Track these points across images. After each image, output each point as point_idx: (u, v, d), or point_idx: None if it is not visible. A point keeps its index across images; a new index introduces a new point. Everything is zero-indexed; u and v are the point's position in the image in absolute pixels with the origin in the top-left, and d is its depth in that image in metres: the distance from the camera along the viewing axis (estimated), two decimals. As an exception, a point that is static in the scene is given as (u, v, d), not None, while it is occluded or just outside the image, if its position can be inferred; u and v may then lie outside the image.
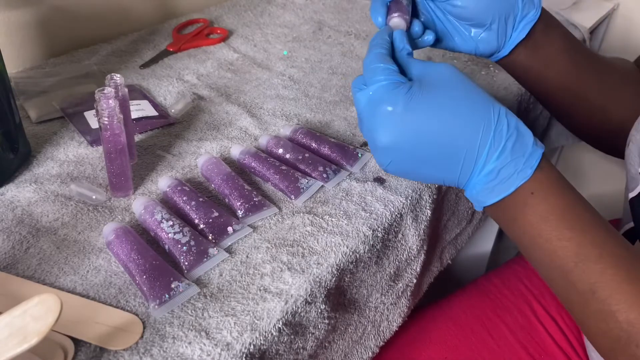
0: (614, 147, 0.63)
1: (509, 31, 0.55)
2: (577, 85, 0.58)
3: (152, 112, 0.69)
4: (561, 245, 0.42)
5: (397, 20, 0.51)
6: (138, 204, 0.53)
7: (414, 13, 0.55)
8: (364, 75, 0.46)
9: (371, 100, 0.44)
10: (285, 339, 0.46)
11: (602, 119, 0.60)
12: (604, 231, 0.43)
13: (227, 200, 0.56)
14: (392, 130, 0.43)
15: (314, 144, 0.63)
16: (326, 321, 0.51)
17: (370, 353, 0.63)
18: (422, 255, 0.64)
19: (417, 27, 0.53)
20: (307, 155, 0.61)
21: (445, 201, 0.69)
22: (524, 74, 0.59)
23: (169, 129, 0.67)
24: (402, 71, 0.46)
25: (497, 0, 0.53)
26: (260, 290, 0.47)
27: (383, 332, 0.64)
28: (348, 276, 0.53)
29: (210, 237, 0.51)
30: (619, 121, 0.59)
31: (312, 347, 0.51)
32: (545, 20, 0.56)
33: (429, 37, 0.54)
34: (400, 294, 0.64)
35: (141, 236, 0.50)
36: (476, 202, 0.46)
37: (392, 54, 0.48)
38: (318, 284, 0.49)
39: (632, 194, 0.55)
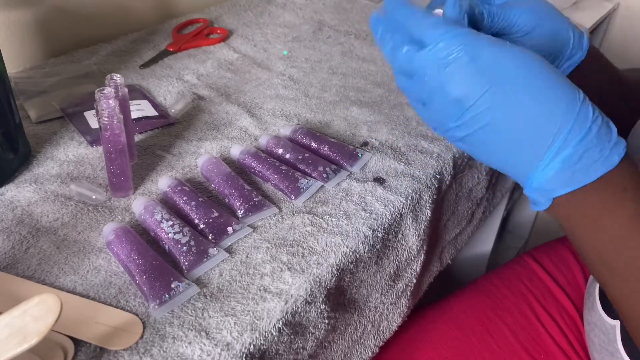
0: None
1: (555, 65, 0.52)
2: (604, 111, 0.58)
3: (152, 112, 0.69)
4: None
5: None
6: (138, 204, 0.53)
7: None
8: (407, 34, 0.40)
9: (442, 55, 0.38)
10: (285, 339, 0.47)
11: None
12: None
13: (227, 200, 0.56)
14: (470, 80, 0.38)
15: (314, 144, 0.63)
16: (326, 321, 0.51)
17: (370, 353, 0.63)
18: (422, 255, 0.64)
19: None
20: (307, 155, 0.61)
21: (445, 201, 0.69)
22: None
23: (169, 129, 0.67)
24: None
25: (553, 38, 0.50)
26: (260, 290, 0.47)
27: (383, 332, 0.64)
28: (348, 276, 0.53)
29: (210, 237, 0.51)
30: None
31: (312, 347, 0.51)
32: (589, 56, 0.53)
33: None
34: (400, 294, 0.64)
35: (141, 236, 0.50)
36: (544, 193, 0.39)
37: None
38: (318, 284, 0.49)
39: None
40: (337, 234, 0.53)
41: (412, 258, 0.63)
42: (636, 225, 0.38)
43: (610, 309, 0.60)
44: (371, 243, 0.54)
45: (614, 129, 0.39)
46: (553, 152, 0.38)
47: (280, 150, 0.62)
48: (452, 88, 0.39)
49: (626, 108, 0.58)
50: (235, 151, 0.62)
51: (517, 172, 0.40)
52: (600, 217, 0.39)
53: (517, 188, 1.09)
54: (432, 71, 0.39)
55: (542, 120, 0.38)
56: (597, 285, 0.64)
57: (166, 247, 0.50)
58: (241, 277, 0.48)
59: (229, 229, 0.52)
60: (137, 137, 0.65)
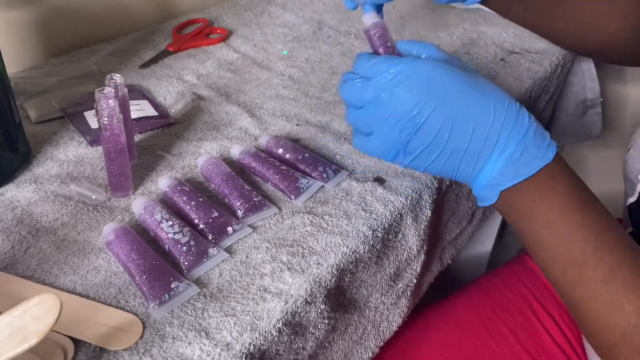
0: (609, 56, 0.65)
1: None
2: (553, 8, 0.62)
3: (152, 112, 0.69)
4: (582, 232, 0.42)
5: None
6: (138, 204, 0.53)
7: None
8: (364, 78, 0.46)
9: (399, 71, 0.44)
10: (285, 339, 0.46)
11: (594, 30, 0.63)
12: (617, 223, 0.44)
13: (227, 200, 0.56)
14: (423, 94, 0.43)
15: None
16: (326, 321, 0.51)
17: (370, 353, 0.63)
18: (422, 255, 0.64)
19: None
20: (307, 155, 0.61)
21: (445, 201, 0.69)
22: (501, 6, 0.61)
23: (168, 129, 0.67)
24: None
25: None
26: (260, 290, 0.47)
27: (383, 332, 0.64)
28: (348, 276, 0.53)
29: (210, 237, 0.51)
30: (613, 32, 0.62)
31: (312, 347, 0.51)
32: None
33: None
34: (400, 294, 0.64)
35: (141, 236, 0.50)
36: (491, 188, 0.45)
37: None
38: (318, 284, 0.49)
39: (630, 200, 0.55)
40: (337, 234, 0.53)
41: (412, 258, 0.63)
42: (563, 209, 0.43)
43: None
44: (371, 243, 0.54)
45: (547, 134, 0.45)
46: (498, 151, 0.44)
47: (280, 150, 0.62)
48: (404, 104, 0.43)
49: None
50: (235, 151, 0.62)
51: (465, 175, 0.46)
52: (535, 203, 0.44)
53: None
54: (385, 92, 0.44)
55: (487, 124, 0.43)
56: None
57: (166, 247, 0.50)
58: (241, 277, 0.48)
59: (229, 229, 0.52)
60: (137, 137, 0.65)
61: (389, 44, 0.48)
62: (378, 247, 0.56)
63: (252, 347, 0.43)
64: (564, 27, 0.67)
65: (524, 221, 0.46)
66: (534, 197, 0.44)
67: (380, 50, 0.48)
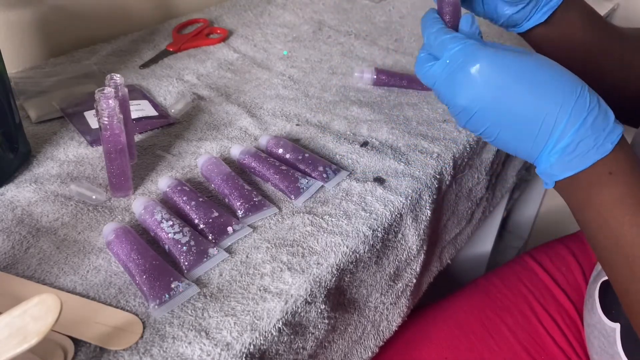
0: (636, 116, 0.63)
1: (533, 12, 0.55)
2: (596, 56, 0.59)
3: (152, 112, 0.69)
4: (632, 231, 0.41)
5: None
6: (138, 204, 0.53)
7: None
8: (430, 50, 0.46)
9: (449, 67, 0.44)
10: (285, 339, 0.47)
11: (623, 86, 0.60)
12: None
13: (227, 200, 0.56)
14: (473, 92, 0.43)
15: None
16: (326, 321, 0.51)
17: (369, 353, 0.63)
18: (422, 255, 0.64)
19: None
20: (307, 155, 0.61)
21: (445, 201, 0.69)
22: (541, 45, 0.59)
23: (169, 129, 0.67)
24: None
25: None
26: (260, 290, 0.47)
27: (383, 332, 0.64)
28: (348, 276, 0.53)
29: (210, 237, 0.51)
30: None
31: (312, 347, 0.51)
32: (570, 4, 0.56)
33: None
34: (399, 293, 0.64)
35: (141, 236, 0.50)
36: (548, 176, 0.45)
37: None
38: (318, 284, 0.49)
39: None
40: (337, 234, 0.53)
41: (412, 258, 0.63)
42: (619, 207, 0.42)
43: (610, 312, 0.60)
44: (371, 243, 0.54)
45: (611, 117, 0.43)
46: (553, 141, 0.43)
47: (280, 150, 0.62)
48: (458, 98, 0.44)
49: (622, 64, 0.60)
50: (235, 151, 0.62)
51: (526, 157, 0.45)
52: (589, 199, 0.43)
53: (516, 188, 1.09)
54: (440, 84, 0.45)
55: (541, 116, 0.42)
56: (597, 287, 0.64)
57: (166, 247, 0.50)
58: (241, 277, 0.48)
59: (229, 229, 0.52)
60: (137, 137, 0.65)
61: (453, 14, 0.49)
62: (378, 247, 0.56)
63: (252, 347, 0.43)
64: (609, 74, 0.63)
65: (578, 213, 0.45)
66: (587, 192, 0.43)
67: (446, 18, 0.49)
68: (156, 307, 0.44)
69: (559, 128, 0.42)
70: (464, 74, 0.43)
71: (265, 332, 0.44)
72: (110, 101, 0.51)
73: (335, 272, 0.51)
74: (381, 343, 0.64)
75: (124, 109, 0.56)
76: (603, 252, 0.44)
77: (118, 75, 0.55)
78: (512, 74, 0.43)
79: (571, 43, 0.58)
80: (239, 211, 0.54)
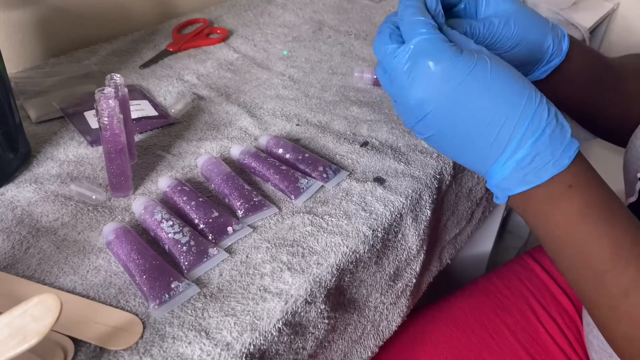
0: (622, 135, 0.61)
1: (531, 71, 0.54)
2: (594, 102, 0.58)
3: (152, 112, 0.69)
4: (599, 244, 0.40)
5: None
6: (138, 204, 0.53)
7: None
8: (397, 24, 0.43)
9: (412, 54, 0.41)
10: (285, 339, 0.47)
11: (621, 123, 0.59)
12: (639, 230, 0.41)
13: (227, 200, 0.56)
14: (429, 87, 0.40)
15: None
16: (326, 321, 0.51)
17: (369, 353, 0.63)
18: (422, 255, 0.64)
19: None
20: (307, 155, 0.61)
21: (445, 201, 0.69)
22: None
23: (169, 129, 0.67)
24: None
25: (534, 50, 0.51)
26: (260, 290, 0.47)
27: (382, 332, 0.64)
28: (348, 276, 0.53)
29: (210, 237, 0.51)
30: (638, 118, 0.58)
31: (311, 347, 0.51)
32: (572, 53, 0.54)
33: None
34: (399, 293, 0.64)
35: (141, 236, 0.50)
36: (501, 190, 0.42)
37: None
38: (318, 284, 0.49)
39: (631, 200, 0.55)
40: (337, 234, 0.53)
41: (412, 258, 0.63)
42: (583, 219, 0.40)
43: None
44: (371, 243, 0.54)
45: (568, 131, 0.41)
46: (509, 152, 0.40)
47: (280, 150, 0.62)
48: (413, 92, 0.41)
49: (618, 94, 0.59)
50: (235, 151, 0.62)
51: (478, 169, 0.43)
52: (547, 214, 0.41)
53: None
54: (398, 73, 0.42)
55: (498, 124, 0.40)
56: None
57: (166, 247, 0.50)
58: (241, 277, 0.48)
59: (229, 229, 0.52)
60: (137, 137, 0.65)
61: None
62: (378, 247, 0.56)
63: (252, 347, 0.43)
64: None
65: (537, 228, 0.43)
66: (546, 206, 0.41)
67: None
68: (156, 307, 0.44)
69: (516, 138, 0.40)
70: (425, 67, 0.40)
71: (265, 332, 0.44)
72: (110, 101, 0.51)
73: (335, 272, 0.51)
74: (381, 343, 0.64)
75: (124, 109, 0.56)
76: (567, 266, 0.42)
77: (118, 75, 0.55)
78: (473, 74, 0.40)
79: (573, 89, 0.57)
80: (239, 211, 0.54)
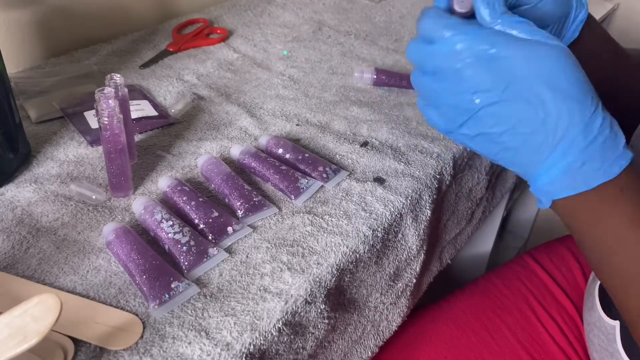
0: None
1: (564, 32, 0.52)
2: (606, 85, 0.58)
3: (152, 112, 0.69)
4: None
5: None
6: (138, 204, 0.53)
7: None
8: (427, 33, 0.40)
9: (468, 44, 0.38)
10: (285, 339, 0.47)
11: (634, 107, 0.57)
12: None
13: (227, 200, 0.56)
14: (489, 74, 0.38)
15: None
16: (326, 321, 0.51)
17: (369, 353, 0.63)
18: (422, 255, 0.64)
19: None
20: (307, 155, 0.61)
21: (445, 201, 0.69)
22: None
23: (169, 129, 0.67)
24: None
25: (559, 7, 0.49)
26: (260, 290, 0.47)
27: (382, 332, 0.64)
28: (348, 276, 0.53)
29: (210, 237, 0.51)
30: None
31: (311, 347, 0.51)
32: (588, 21, 0.53)
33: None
34: (399, 293, 0.64)
35: (141, 236, 0.50)
36: (545, 194, 0.41)
37: None
38: (318, 284, 0.49)
39: None
40: (337, 234, 0.53)
41: (412, 258, 0.63)
42: (630, 226, 0.39)
43: (609, 309, 0.60)
44: (371, 243, 0.54)
45: (622, 141, 0.39)
46: (557, 156, 0.39)
47: (280, 150, 0.62)
48: (469, 83, 0.39)
49: (626, 76, 0.58)
50: (235, 151, 0.62)
51: (523, 171, 0.41)
52: (599, 218, 0.40)
53: (517, 188, 1.09)
54: (449, 68, 0.39)
55: (552, 120, 0.38)
56: (597, 285, 0.64)
57: (166, 247, 0.50)
58: (241, 277, 0.48)
59: (229, 229, 0.52)
60: (137, 137, 0.65)
61: None
62: (378, 247, 0.56)
63: (252, 347, 0.43)
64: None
65: (583, 234, 0.41)
66: (594, 212, 0.40)
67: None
68: (156, 307, 0.44)
69: (568, 139, 0.38)
70: (478, 62, 0.38)
71: (265, 332, 0.44)
72: (110, 101, 0.51)
73: (335, 272, 0.51)
74: (381, 343, 0.64)
75: (124, 109, 0.56)
76: (615, 272, 0.41)
77: (118, 75, 0.55)
78: (530, 71, 0.38)
79: (594, 62, 0.54)
80: (239, 211, 0.54)
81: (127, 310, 0.45)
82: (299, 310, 0.47)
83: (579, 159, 0.38)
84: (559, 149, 0.38)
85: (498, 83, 0.38)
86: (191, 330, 0.43)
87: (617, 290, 0.42)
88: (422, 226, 0.62)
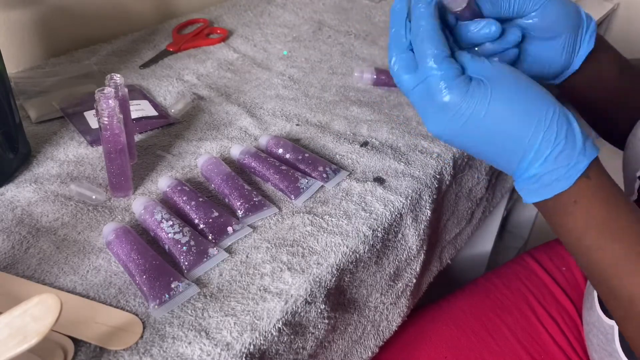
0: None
1: (579, 43, 0.53)
2: (619, 99, 0.58)
3: (152, 112, 0.69)
4: (599, 256, 0.43)
5: None
6: (138, 204, 0.53)
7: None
8: (414, 47, 0.43)
9: (423, 89, 0.43)
10: (285, 339, 0.47)
11: (628, 126, 0.59)
12: None
13: (227, 200, 0.56)
14: (443, 125, 0.43)
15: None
16: (326, 321, 0.51)
17: (369, 353, 0.63)
18: (422, 255, 0.64)
19: (494, 26, 0.46)
20: (307, 155, 0.61)
21: (445, 201, 0.69)
22: (573, 92, 0.57)
23: (169, 129, 0.67)
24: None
25: (568, 13, 0.51)
26: (260, 290, 0.47)
27: (382, 332, 0.64)
28: (348, 276, 0.53)
29: (210, 237, 0.51)
30: None
31: (312, 347, 0.51)
32: (597, 48, 0.55)
33: (514, 36, 0.49)
34: (399, 293, 0.64)
35: (141, 236, 0.50)
36: (522, 195, 0.46)
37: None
38: (318, 284, 0.49)
39: (631, 199, 0.55)
40: (337, 234, 0.53)
41: (412, 258, 0.63)
42: (582, 235, 0.43)
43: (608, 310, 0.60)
44: (371, 243, 0.54)
45: (578, 146, 0.42)
46: (522, 169, 0.43)
47: (280, 150, 0.62)
48: (428, 126, 0.44)
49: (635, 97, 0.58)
50: (235, 151, 0.62)
51: (504, 170, 0.46)
52: (560, 224, 0.45)
53: (517, 188, 1.09)
54: (416, 106, 0.44)
55: (507, 146, 0.42)
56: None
57: (166, 247, 0.50)
58: (241, 277, 0.48)
59: (229, 229, 0.52)
60: (137, 137, 0.65)
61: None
62: (378, 247, 0.56)
63: (252, 347, 0.43)
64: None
65: (555, 232, 0.46)
66: (556, 216, 0.44)
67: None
68: (156, 307, 0.44)
69: (527, 159, 0.42)
70: (435, 103, 0.42)
71: (265, 332, 0.44)
72: (110, 101, 0.51)
73: (335, 272, 0.51)
74: (381, 343, 0.64)
75: (124, 109, 0.56)
76: (581, 268, 0.46)
77: (118, 75, 0.55)
78: (485, 113, 0.41)
79: (601, 87, 0.57)
80: (239, 211, 0.54)
81: (127, 310, 0.45)
82: (299, 310, 0.47)
83: (536, 175, 0.42)
84: (522, 164, 0.43)
85: (450, 127, 0.43)
86: (191, 330, 0.43)
87: (590, 281, 0.46)
88: (422, 226, 0.62)
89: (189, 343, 0.42)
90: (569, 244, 0.45)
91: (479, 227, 0.88)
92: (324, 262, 0.50)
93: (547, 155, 0.42)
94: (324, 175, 0.59)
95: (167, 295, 0.45)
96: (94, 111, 0.63)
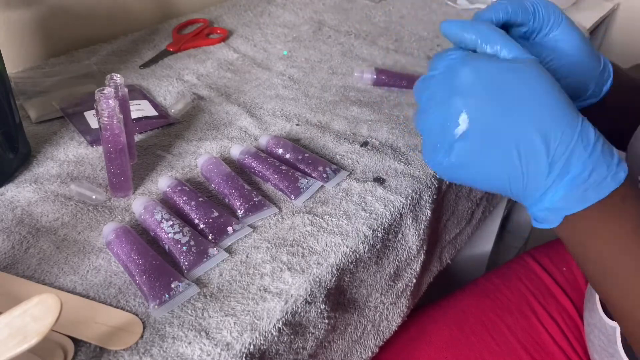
0: None
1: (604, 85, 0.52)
2: (621, 104, 0.57)
3: (152, 112, 0.69)
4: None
5: None
6: (138, 204, 0.53)
7: None
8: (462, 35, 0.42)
9: (451, 63, 0.40)
10: (285, 339, 0.47)
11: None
12: None
13: (227, 200, 0.56)
14: (470, 91, 0.38)
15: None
16: (326, 321, 0.51)
17: (369, 353, 0.63)
18: (422, 255, 0.64)
19: None
20: (307, 155, 0.61)
21: (445, 201, 0.69)
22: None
23: (169, 129, 0.67)
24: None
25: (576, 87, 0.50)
26: (260, 290, 0.47)
27: (382, 332, 0.64)
28: (348, 276, 0.53)
29: (210, 237, 0.51)
30: None
31: (312, 346, 0.51)
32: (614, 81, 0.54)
33: None
34: (399, 293, 0.64)
35: (141, 236, 0.50)
36: (555, 212, 0.39)
37: None
38: (318, 283, 0.49)
39: None
40: (337, 234, 0.53)
41: (412, 258, 0.63)
42: (635, 235, 0.39)
43: None
44: (371, 243, 0.54)
45: (614, 148, 0.39)
46: (558, 172, 0.38)
47: (280, 150, 0.62)
48: (453, 102, 0.39)
49: None
50: (235, 151, 0.62)
51: (520, 192, 0.40)
52: (602, 229, 0.39)
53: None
54: (438, 89, 0.41)
55: (541, 132, 0.38)
56: (597, 285, 0.64)
57: (166, 247, 0.50)
58: (241, 277, 0.48)
59: (229, 229, 0.52)
60: (137, 137, 0.65)
61: None
62: (378, 247, 0.56)
63: (252, 346, 0.43)
64: None
65: (587, 249, 0.41)
66: (599, 222, 0.39)
67: None
68: (156, 307, 0.44)
69: (564, 155, 0.37)
70: (465, 72, 0.39)
71: (265, 332, 0.44)
72: (110, 101, 0.51)
73: (335, 272, 0.51)
74: (381, 343, 0.64)
75: (124, 109, 0.56)
76: (620, 283, 0.40)
77: (118, 75, 0.55)
78: (513, 87, 0.38)
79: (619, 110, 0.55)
80: (239, 211, 0.54)
81: (127, 310, 0.45)
82: (299, 310, 0.47)
83: (585, 170, 0.37)
84: (557, 164, 0.38)
85: (482, 99, 0.39)
86: (191, 330, 0.43)
87: (618, 301, 0.41)
88: (422, 226, 0.62)
89: (189, 343, 0.42)
90: (609, 254, 0.40)
91: (479, 227, 0.88)
92: (324, 262, 0.50)
93: (593, 145, 0.38)
94: (324, 175, 0.59)
95: (167, 295, 0.45)
96: (94, 111, 0.63)
